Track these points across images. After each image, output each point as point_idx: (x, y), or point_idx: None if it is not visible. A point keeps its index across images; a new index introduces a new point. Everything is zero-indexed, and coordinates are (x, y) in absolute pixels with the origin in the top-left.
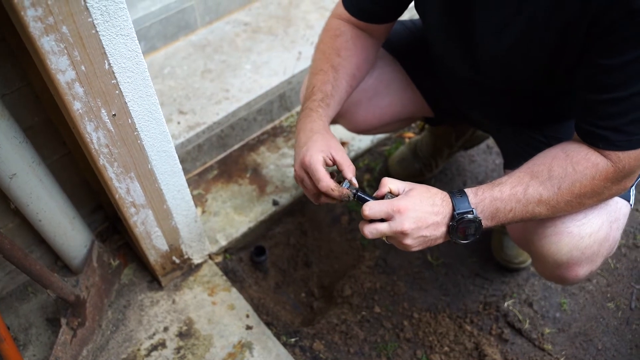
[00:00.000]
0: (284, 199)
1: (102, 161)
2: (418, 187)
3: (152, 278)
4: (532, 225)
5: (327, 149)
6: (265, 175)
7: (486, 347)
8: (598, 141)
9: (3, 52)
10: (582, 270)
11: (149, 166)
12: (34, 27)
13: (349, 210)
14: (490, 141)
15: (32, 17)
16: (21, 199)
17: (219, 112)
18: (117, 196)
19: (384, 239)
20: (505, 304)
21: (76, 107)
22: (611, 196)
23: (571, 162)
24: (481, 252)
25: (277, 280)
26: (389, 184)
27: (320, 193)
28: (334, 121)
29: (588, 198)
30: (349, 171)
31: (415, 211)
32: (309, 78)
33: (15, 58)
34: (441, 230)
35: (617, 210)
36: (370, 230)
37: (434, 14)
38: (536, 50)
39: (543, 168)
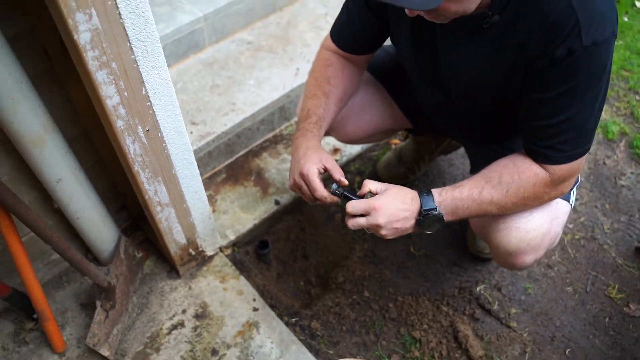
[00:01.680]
0: (285, 199)
1: (136, 168)
2: (392, 188)
3: (170, 268)
4: (488, 221)
5: (320, 162)
6: (267, 178)
7: (460, 325)
8: (538, 157)
9: (52, 78)
10: (528, 259)
11: (173, 171)
12: (92, 65)
13: (342, 210)
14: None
15: (91, 57)
16: (63, 200)
17: (227, 123)
18: (146, 197)
19: (365, 229)
20: (478, 289)
21: (119, 124)
22: (551, 199)
23: (517, 171)
24: (457, 245)
25: (279, 270)
26: (369, 184)
27: (314, 198)
28: (326, 134)
29: (531, 200)
30: (337, 174)
31: (388, 209)
32: (304, 101)
33: (60, 83)
34: (410, 223)
35: (558, 209)
36: (352, 224)
37: (405, 52)
38: (487, 86)
39: (495, 175)
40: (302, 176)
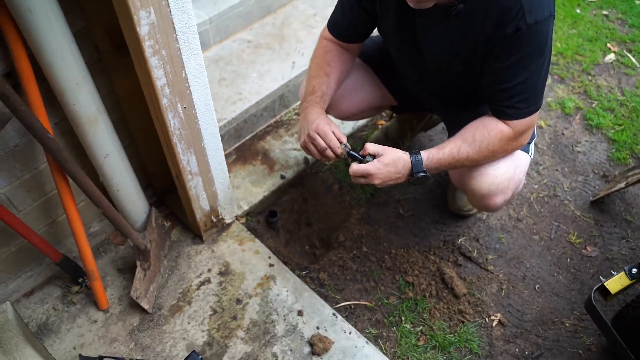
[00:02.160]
0: (289, 173)
1: (174, 139)
2: (388, 153)
3: (194, 236)
4: (464, 172)
5: (330, 124)
6: (272, 157)
7: (445, 269)
8: (501, 115)
9: (100, 70)
10: (498, 199)
11: (202, 144)
12: (148, 52)
13: (339, 181)
14: (444, 125)
15: (148, 46)
16: (108, 174)
17: (235, 110)
18: (181, 166)
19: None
20: (459, 240)
21: (164, 102)
22: (514, 150)
23: (487, 129)
24: (439, 205)
25: (287, 237)
26: (369, 147)
27: (324, 151)
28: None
29: (498, 152)
30: (343, 138)
31: (382, 174)
32: (308, 80)
33: (106, 74)
34: (402, 180)
35: (519, 159)
36: (355, 181)
37: (391, 37)
38: (456, 61)
39: (469, 134)
40: (318, 131)
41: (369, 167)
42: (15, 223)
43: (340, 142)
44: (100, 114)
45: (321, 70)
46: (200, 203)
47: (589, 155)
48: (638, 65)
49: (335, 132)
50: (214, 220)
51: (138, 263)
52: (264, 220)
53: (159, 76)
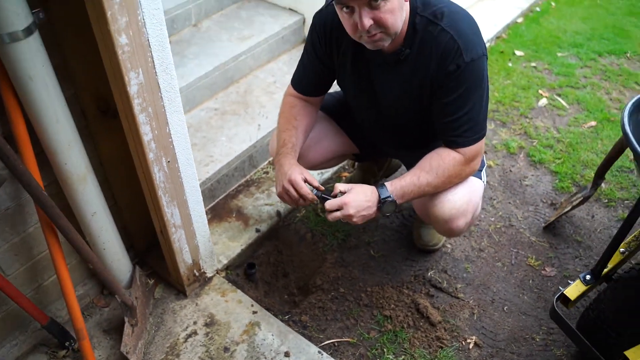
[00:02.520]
0: (263, 227)
1: (160, 192)
2: (357, 186)
3: (177, 292)
4: (426, 202)
5: (301, 173)
6: (246, 213)
7: (419, 300)
8: (452, 144)
9: (86, 134)
10: (461, 222)
11: (185, 196)
12: (137, 109)
13: (311, 230)
14: (403, 171)
15: (137, 103)
16: (95, 232)
17: (208, 172)
18: (165, 218)
19: (341, 220)
20: (429, 274)
21: (150, 156)
22: (467, 175)
23: (441, 158)
24: (407, 244)
25: (265, 289)
26: (339, 186)
27: (298, 201)
28: None
29: (454, 178)
30: (315, 182)
31: (356, 202)
32: (279, 134)
33: (91, 138)
34: (373, 209)
35: (474, 184)
36: (331, 217)
37: (349, 86)
38: (408, 101)
39: (427, 163)
40: (291, 182)
41: (343, 198)
42: (5, 285)
43: (313, 188)
44: (89, 173)
45: (289, 124)
46: (184, 256)
47: (536, 187)
48: (567, 106)
49: (307, 178)
50: (197, 274)
51: (126, 319)
52: (243, 273)
53: (146, 132)
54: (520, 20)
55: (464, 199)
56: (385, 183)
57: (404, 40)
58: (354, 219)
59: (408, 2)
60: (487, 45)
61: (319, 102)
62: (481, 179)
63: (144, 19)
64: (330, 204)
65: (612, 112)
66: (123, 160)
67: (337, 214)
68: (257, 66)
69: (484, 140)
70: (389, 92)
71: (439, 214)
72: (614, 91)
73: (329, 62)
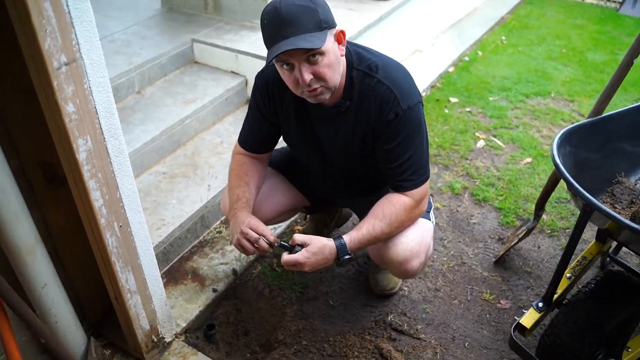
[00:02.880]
0: (220, 286)
1: (113, 258)
2: (314, 242)
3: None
4: (380, 246)
5: (259, 224)
6: (202, 274)
7: (382, 345)
8: (399, 189)
9: (32, 203)
10: (415, 263)
11: (139, 260)
12: (86, 176)
13: (269, 285)
14: (354, 220)
15: (86, 170)
16: (46, 305)
17: (161, 235)
18: (120, 285)
19: None
20: (389, 318)
21: (102, 222)
22: (417, 217)
23: (391, 204)
24: (364, 290)
25: (227, 350)
26: (297, 238)
27: (257, 242)
28: None
29: (406, 222)
30: (271, 236)
31: (310, 261)
32: (231, 191)
33: (38, 208)
34: (329, 264)
35: (424, 225)
36: (287, 268)
37: (295, 140)
38: (352, 150)
39: (379, 211)
40: (250, 226)
41: (298, 257)
42: None
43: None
44: (38, 244)
45: (241, 180)
46: (141, 322)
47: (483, 224)
48: (503, 146)
49: (263, 230)
50: (155, 339)
51: None
52: (203, 335)
53: (97, 197)
54: (451, 69)
55: (416, 241)
56: (344, 237)
57: (343, 93)
58: (309, 273)
59: (344, 57)
60: (423, 94)
61: (267, 158)
62: (430, 219)
63: (90, 87)
64: (286, 260)
65: (545, 148)
66: (72, 227)
67: (293, 268)
68: (203, 128)
69: (428, 182)
70: (334, 143)
71: (393, 257)
72: (544, 129)
73: (274, 119)
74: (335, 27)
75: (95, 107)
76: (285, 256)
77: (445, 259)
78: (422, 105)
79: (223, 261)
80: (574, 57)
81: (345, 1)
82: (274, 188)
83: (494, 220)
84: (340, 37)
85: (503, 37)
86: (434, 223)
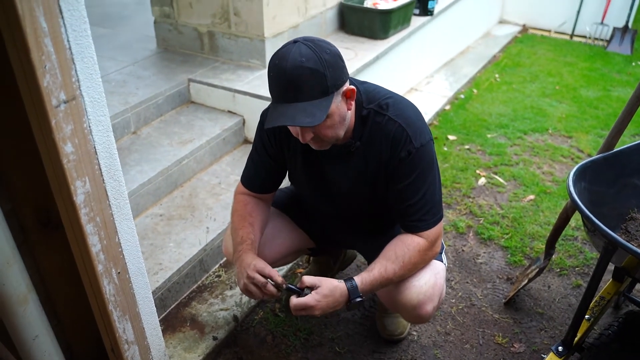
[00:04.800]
0: (220, 334)
1: (110, 307)
2: (324, 284)
3: None
4: (391, 291)
5: (266, 265)
6: (201, 321)
7: None
8: (413, 229)
9: (25, 249)
10: (429, 307)
11: (137, 309)
12: (84, 219)
13: (271, 331)
14: (358, 262)
15: (84, 213)
16: (37, 358)
17: (158, 280)
18: (117, 335)
19: None
20: None
21: (99, 268)
22: (431, 259)
23: (404, 245)
24: (372, 336)
25: None
26: (306, 280)
27: (265, 287)
28: None
29: (419, 263)
30: (279, 278)
31: (321, 305)
32: (234, 232)
33: (31, 254)
34: (339, 308)
35: (436, 267)
36: (297, 314)
37: (302, 179)
38: (362, 190)
39: (392, 253)
40: (257, 269)
41: (309, 300)
42: None
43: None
44: (30, 292)
45: (245, 221)
46: None
47: (490, 264)
48: (505, 183)
49: (270, 272)
50: None
51: None
52: None
53: (94, 242)
54: (447, 107)
55: (430, 283)
56: (355, 278)
57: (353, 133)
58: (319, 315)
59: (353, 102)
60: None
61: (271, 198)
62: (442, 261)
63: (90, 127)
64: (295, 304)
65: (547, 185)
66: (66, 274)
67: (302, 312)
68: (200, 169)
69: (442, 222)
70: (343, 183)
71: (406, 301)
72: (544, 165)
73: (280, 157)
74: (344, 84)
75: (94, 147)
76: (295, 300)
77: (453, 300)
78: (433, 142)
79: (223, 307)
80: (567, 93)
81: (341, 40)
82: (278, 229)
83: (500, 259)
84: (349, 93)
85: (497, 75)
86: (446, 264)
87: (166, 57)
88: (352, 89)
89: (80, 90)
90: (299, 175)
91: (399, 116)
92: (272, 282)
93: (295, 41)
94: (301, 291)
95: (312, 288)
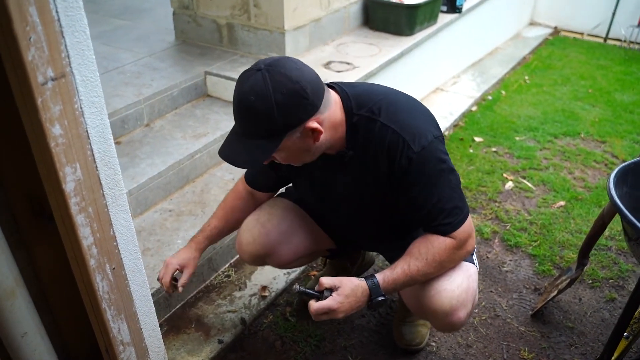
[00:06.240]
0: (227, 337)
1: (104, 305)
2: (345, 285)
3: None
4: (420, 295)
5: (181, 264)
6: (207, 323)
7: None
8: (438, 232)
9: (17, 241)
10: (462, 314)
11: (134, 309)
12: (74, 209)
13: (280, 336)
14: (376, 266)
15: (74, 203)
16: (26, 356)
17: None
18: (111, 335)
19: None
20: None
21: (91, 263)
22: (461, 258)
23: (429, 242)
24: (388, 344)
25: None
26: (324, 281)
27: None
28: (262, 262)
29: (446, 262)
30: (183, 280)
31: (344, 307)
32: (210, 217)
33: (25, 246)
34: (362, 307)
35: (468, 269)
36: (318, 319)
37: (305, 190)
38: (365, 199)
39: (415, 250)
40: (165, 264)
41: (331, 303)
42: None
43: (295, 286)
44: (18, 287)
45: (221, 210)
46: None
47: (517, 273)
48: (534, 188)
49: (184, 271)
50: None
51: None
52: None
53: (86, 235)
54: (474, 108)
55: (462, 287)
56: (376, 276)
57: (346, 142)
58: (342, 317)
59: (342, 111)
60: (446, 133)
61: (267, 197)
62: (474, 262)
63: (81, 108)
64: (316, 309)
65: (579, 191)
66: (62, 268)
67: (324, 317)
68: (213, 164)
69: (470, 218)
70: (344, 193)
71: (437, 306)
72: (576, 170)
73: (278, 167)
74: (304, 122)
75: (87, 131)
76: (315, 304)
77: (476, 310)
78: (441, 138)
79: (231, 309)
80: (601, 97)
81: (365, 36)
82: (296, 226)
83: (528, 268)
84: (312, 131)
85: (526, 77)
86: (478, 267)
87: (184, 50)
88: (315, 129)
89: (70, 67)
90: (300, 185)
91: (392, 120)
92: (174, 282)
93: (259, 68)
94: (320, 294)
95: (332, 289)
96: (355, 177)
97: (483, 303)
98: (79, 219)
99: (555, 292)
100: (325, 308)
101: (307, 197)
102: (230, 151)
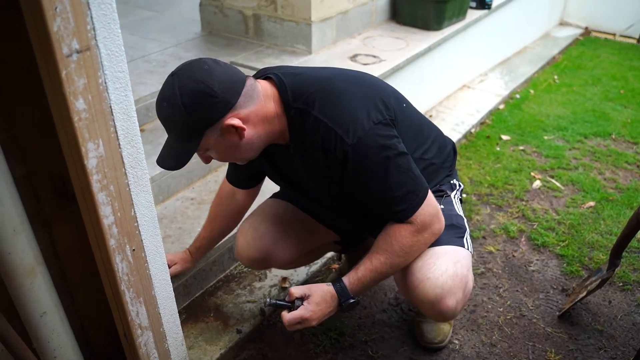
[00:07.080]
0: (246, 327)
1: (122, 287)
2: (314, 293)
3: None
4: (405, 284)
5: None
6: (226, 312)
7: None
8: (395, 221)
9: (39, 220)
10: (450, 302)
11: (153, 292)
12: (96, 187)
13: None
14: None
15: (95, 180)
16: (44, 335)
17: None
18: (129, 318)
19: None
20: None
21: (111, 243)
22: (428, 242)
23: (388, 233)
24: (409, 341)
25: None
26: (294, 291)
27: None
28: (264, 266)
29: (411, 249)
30: (172, 269)
31: (316, 314)
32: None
33: (46, 225)
34: (333, 312)
35: (457, 254)
36: (292, 329)
37: (278, 182)
38: (323, 186)
39: (377, 243)
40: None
41: (303, 312)
42: None
43: (266, 299)
44: (39, 265)
45: (209, 222)
46: None
47: (544, 273)
48: (562, 187)
49: (170, 262)
50: None
51: None
52: None
53: (107, 214)
54: (502, 106)
55: (448, 273)
56: (343, 279)
57: (289, 135)
58: (316, 325)
59: (278, 97)
60: (472, 130)
61: (250, 194)
62: (465, 246)
63: (106, 83)
64: (289, 319)
65: (609, 192)
66: (84, 249)
67: (298, 326)
68: None
69: (429, 199)
70: (311, 184)
71: (422, 296)
72: (607, 171)
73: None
74: (219, 120)
75: (110, 107)
76: (288, 315)
77: (501, 309)
78: (387, 121)
79: (250, 299)
80: (633, 98)
81: (392, 30)
82: (291, 225)
83: (555, 268)
84: (232, 128)
85: (555, 77)
86: (471, 250)
87: (210, 40)
88: (235, 125)
89: (96, 40)
90: (273, 178)
91: (325, 113)
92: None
93: (172, 74)
94: (291, 304)
95: (302, 298)
96: (305, 169)
97: (508, 302)
98: (100, 197)
99: (585, 293)
100: (297, 318)
101: (285, 190)
102: (160, 156)
